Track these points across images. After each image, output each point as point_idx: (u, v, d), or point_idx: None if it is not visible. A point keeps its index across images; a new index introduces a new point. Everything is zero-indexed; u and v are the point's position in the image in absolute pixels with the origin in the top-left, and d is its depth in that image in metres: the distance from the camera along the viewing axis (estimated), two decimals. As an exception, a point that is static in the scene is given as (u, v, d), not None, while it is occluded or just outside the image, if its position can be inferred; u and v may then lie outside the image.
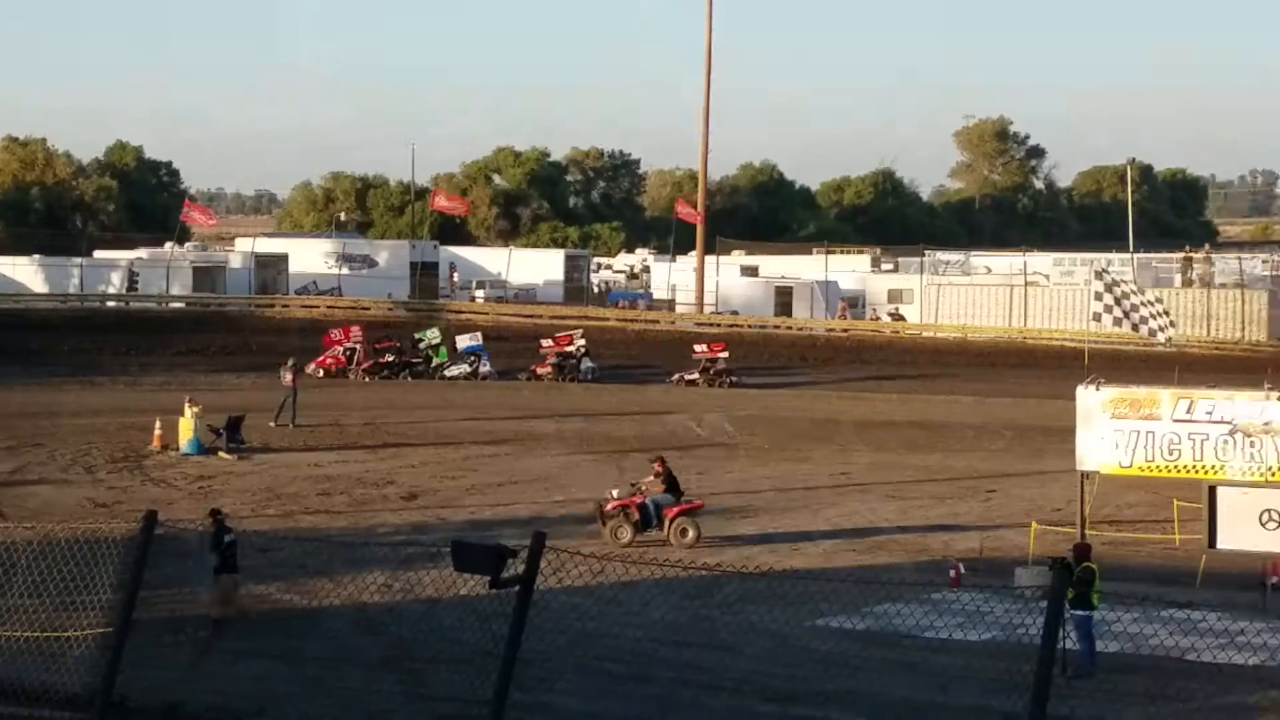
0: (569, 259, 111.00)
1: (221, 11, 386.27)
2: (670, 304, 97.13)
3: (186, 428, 48.34)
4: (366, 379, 69.61)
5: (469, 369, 71.02)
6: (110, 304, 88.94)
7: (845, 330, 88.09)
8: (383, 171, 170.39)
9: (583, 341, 73.11)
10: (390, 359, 71.07)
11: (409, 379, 70.48)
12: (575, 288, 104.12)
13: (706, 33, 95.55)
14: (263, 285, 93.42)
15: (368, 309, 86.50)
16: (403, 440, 52.36)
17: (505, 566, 13.95)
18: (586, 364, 71.98)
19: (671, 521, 36.11)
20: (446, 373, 71.14)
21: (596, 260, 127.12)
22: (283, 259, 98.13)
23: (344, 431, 53.88)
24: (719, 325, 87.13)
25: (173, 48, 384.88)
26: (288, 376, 54.94)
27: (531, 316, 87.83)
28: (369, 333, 73.23)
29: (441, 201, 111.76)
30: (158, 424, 49.15)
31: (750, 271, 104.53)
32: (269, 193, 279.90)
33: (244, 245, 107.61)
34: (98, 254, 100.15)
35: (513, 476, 45.41)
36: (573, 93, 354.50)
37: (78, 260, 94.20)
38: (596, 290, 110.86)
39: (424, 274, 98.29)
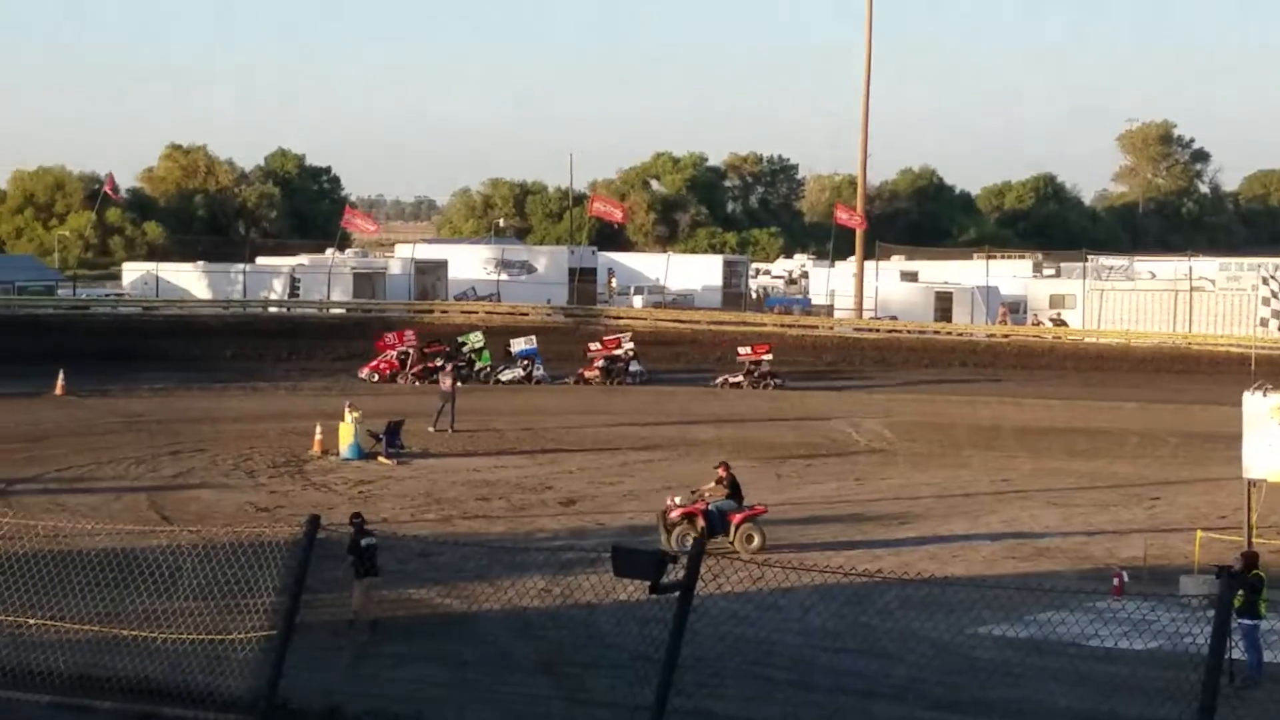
0: (727, 264, 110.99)
1: (378, 20, 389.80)
2: (829, 309, 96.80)
3: (347, 433, 48.66)
4: (416, 383, 69.48)
5: (522, 372, 71.18)
6: (272, 310, 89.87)
7: (1006, 336, 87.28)
8: (541, 178, 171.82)
9: (631, 345, 73.05)
10: (439, 363, 70.65)
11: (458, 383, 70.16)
12: (733, 293, 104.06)
13: (866, 38, 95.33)
14: (422, 291, 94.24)
15: (526, 314, 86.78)
16: (559, 446, 52.42)
17: (665, 572, 13.92)
18: (634, 367, 72.10)
19: (737, 528, 35.74)
20: (501, 376, 71.04)
21: (755, 265, 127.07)
22: (442, 265, 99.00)
23: (502, 437, 54.05)
24: (878, 330, 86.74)
25: (332, 56, 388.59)
26: (446, 381, 55.29)
27: (689, 322, 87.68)
28: (422, 338, 73.28)
29: (600, 207, 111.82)
30: (318, 429, 49.53)
31: (910, 276, 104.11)
32: (428, 199, 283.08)
33: (404, 251, 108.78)
34: (260, 260, 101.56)
35: (670, 482, 45.28)
36: (731, 99, 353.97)
37: (240, 266, 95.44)
38: (754, 295, 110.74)
39: (582, 279, 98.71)
